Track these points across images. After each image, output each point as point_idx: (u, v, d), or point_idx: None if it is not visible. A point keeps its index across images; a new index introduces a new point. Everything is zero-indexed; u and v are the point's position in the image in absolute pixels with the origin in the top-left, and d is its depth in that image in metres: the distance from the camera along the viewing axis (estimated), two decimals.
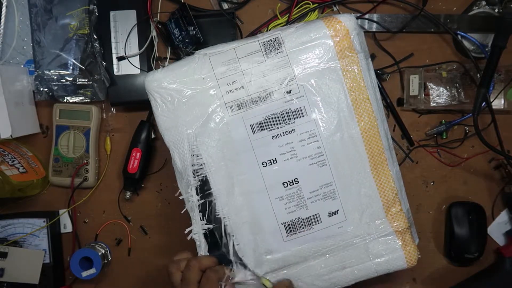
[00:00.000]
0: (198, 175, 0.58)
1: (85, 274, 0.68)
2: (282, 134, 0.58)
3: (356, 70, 0.57)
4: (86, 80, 0.68)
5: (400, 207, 0.59)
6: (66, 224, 0.73)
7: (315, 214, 0.58)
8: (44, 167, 0.73)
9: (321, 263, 0.59)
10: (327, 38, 0.56)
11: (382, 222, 0.59)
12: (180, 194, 0.61)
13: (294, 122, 0.57)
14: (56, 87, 0.68)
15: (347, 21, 0.57)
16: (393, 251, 0.59)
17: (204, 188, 0.58)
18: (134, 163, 0.69)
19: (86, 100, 0.69)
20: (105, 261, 0.71)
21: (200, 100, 0.58)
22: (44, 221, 0.71)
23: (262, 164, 0.58)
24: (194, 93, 0.58)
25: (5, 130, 0.65)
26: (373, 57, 0.70)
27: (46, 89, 0.69)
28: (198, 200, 0.58)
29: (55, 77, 0.68)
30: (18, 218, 0.72)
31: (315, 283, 0.60)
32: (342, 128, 0.57)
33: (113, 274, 0.73)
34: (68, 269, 0.73)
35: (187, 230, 0.59)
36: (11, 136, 0.65)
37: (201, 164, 0.58)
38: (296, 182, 0.58)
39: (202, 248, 0.58)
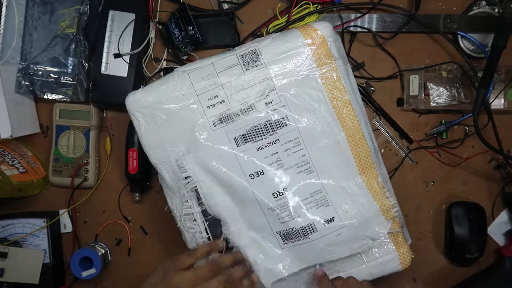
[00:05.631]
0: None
1: (85, 274, 0.68)
2: (266, 145, 0.57)
3: (335, 77, 0.57)
4: (70, 79, 0.68)
5: (391, 208, 0.59)
6: (66, 224, 0.73)
7: (310, 224, 0.57)
8: (44, 167, 0.73)
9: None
10: (304, 47, 0.56)
11: (375, 225, 0.58)
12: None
13: (277, 132, 0.57)
14: (39, 82, 0.68)
15: (323, 29, 0.56)
16: (387, 253, 0.59)
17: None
18: (133, 164, 0.68)
19: (66, 100, 0.69)
20: (105, 261, 0.71)
21: (182, 117, 0.57)
22: (44, 221, 0.71)
23: (250, 176, 0.57)
24: (175, 110, 0.57)
25: (5, 130, 0.65)
26: (361, 65, 0.70)
27: (27, 83, 0.68)
28: (200, 213, 0.58)
29: (40, 73, 0.67)
30: (18, 218, 0.72)
31: None
32: (327, 135, 0.57)
33: (113, 274, 0.73)
34: (68, 269, 0.73)
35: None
36: (11, 136, 0.65)
37: (188, 182, 0.58)
38: (286, 191, 0.58)
39: None
